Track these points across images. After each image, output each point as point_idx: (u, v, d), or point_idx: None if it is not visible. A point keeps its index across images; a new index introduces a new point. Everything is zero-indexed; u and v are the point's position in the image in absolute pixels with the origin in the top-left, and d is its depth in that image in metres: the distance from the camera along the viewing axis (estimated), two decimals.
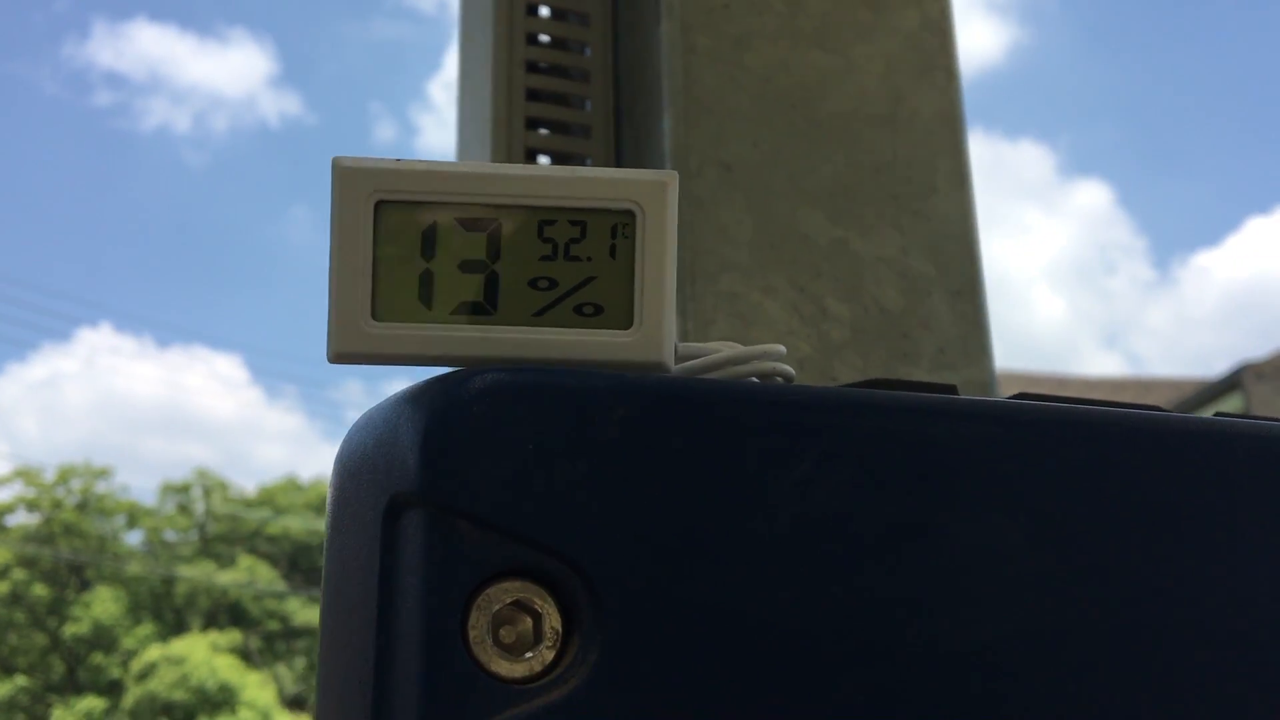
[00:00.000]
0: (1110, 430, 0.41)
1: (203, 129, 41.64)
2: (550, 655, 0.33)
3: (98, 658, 28.54)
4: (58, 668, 28.36)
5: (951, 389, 0.41)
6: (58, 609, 28.69)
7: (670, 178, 0.38)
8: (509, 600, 0.33)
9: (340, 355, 0.38)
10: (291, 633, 30.64)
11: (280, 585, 30.91)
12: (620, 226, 0.38)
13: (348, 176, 0.37)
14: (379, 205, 0.37)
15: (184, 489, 32.46)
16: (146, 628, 29.64)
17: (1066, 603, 0.39)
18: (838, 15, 0.85)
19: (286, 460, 42.92)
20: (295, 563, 32.05)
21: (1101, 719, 0.38)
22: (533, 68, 0.82)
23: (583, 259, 0.38)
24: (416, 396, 0.35)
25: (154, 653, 27.14)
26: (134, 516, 31.56)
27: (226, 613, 30.66)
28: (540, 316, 0.38)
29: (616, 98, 0.86)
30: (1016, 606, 0.38)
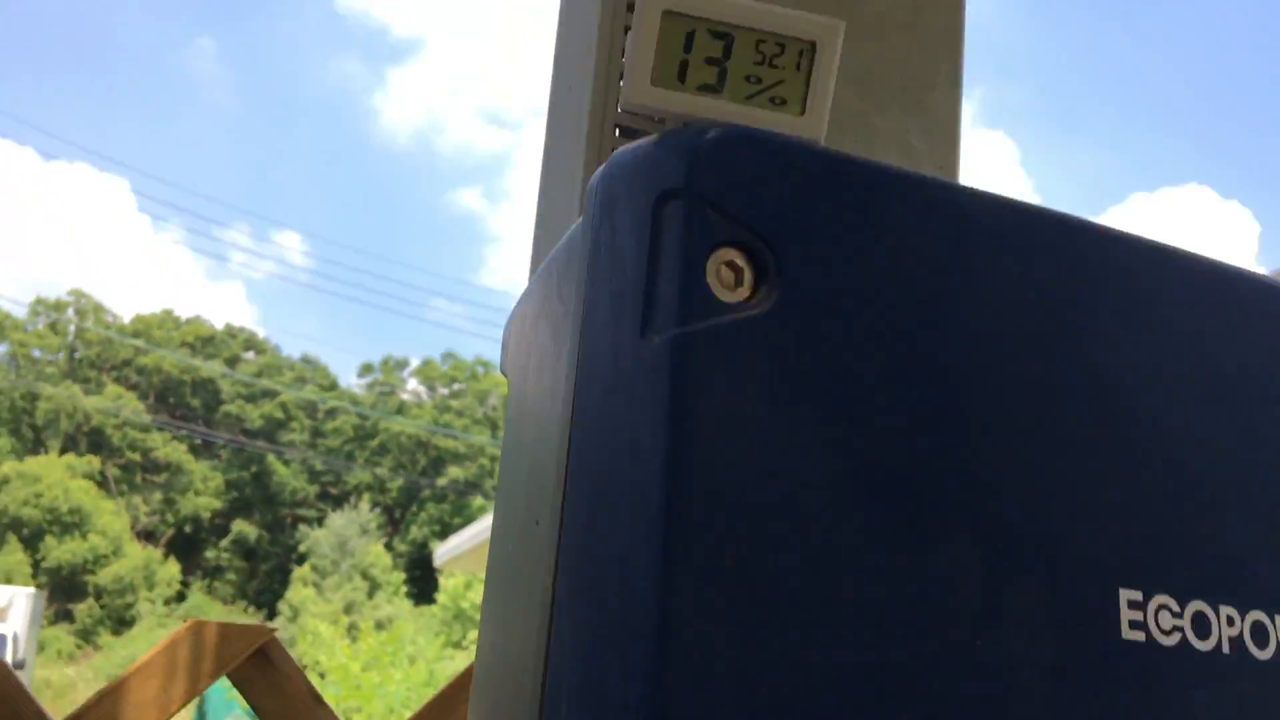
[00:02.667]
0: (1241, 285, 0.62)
1: None
2: (747, 293, 0.51)
3: None
4: None
5: None
6: None
7: (839, 25, 0.59)
8: (726, 260, 0.51)
9: (628, 104, 0.57)
10: (151, 465, 30.01)
11: (145, 418, 30.04)
12: (805, 49, 0.58)
13: None
14: (664, 13, 0.57)
15: (58, 307, 31.24)
16: (2, 441, 28.70)
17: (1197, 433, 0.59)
18: None
19: (165, 295, 41.51)
20: (163, 397, 31.32)
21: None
22: None
23: (779, 67, 0.58)
24: (675, 136, 0.54)
25: (7, 467, 26.29)
26: (1, 328, 30.27)
27: (87, 438, 29.90)
28: (749, 100, 0.58)
29: None
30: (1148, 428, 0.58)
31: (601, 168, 0.57)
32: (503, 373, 0.76)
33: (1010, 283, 0.56)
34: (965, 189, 0.58)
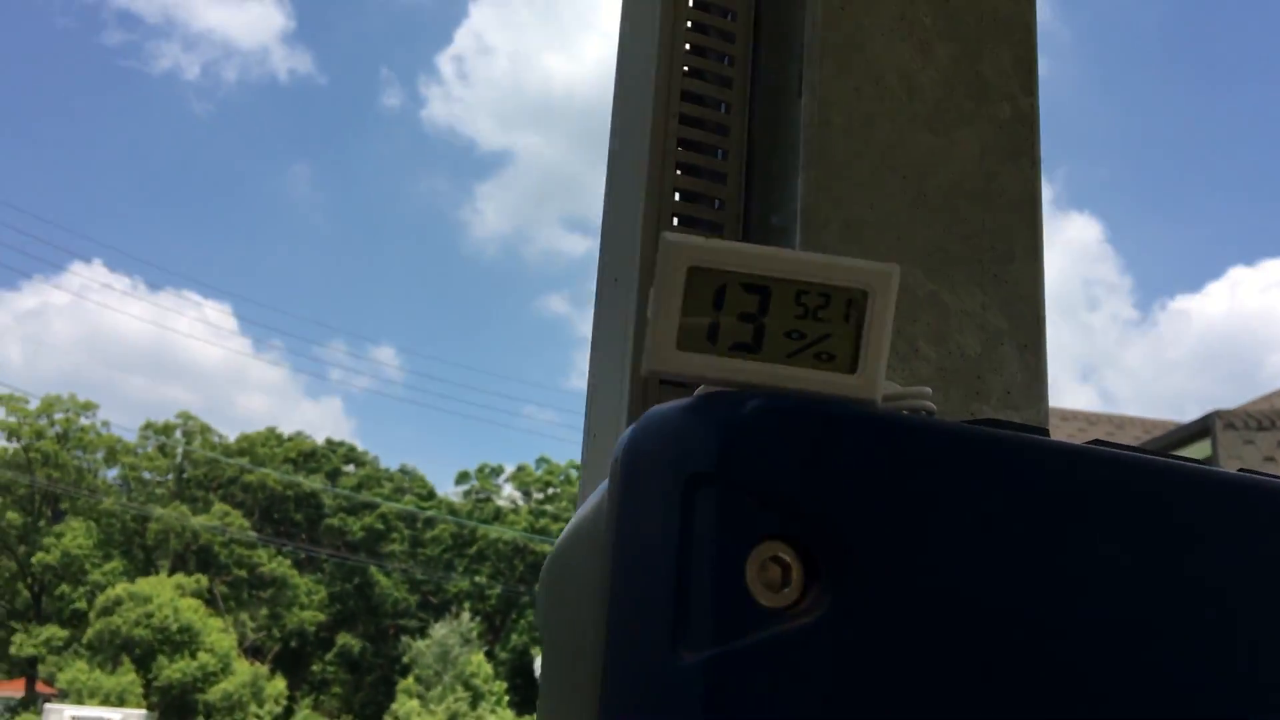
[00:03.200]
0: None
1: (211, 78, 41.42)
2: (796, 595, 0.43)
3: (63, 588, 28.30)
4: (23, 595, 28.05)
5: (1044, 431, 0.52)
6: (28, 537, 28.35)
7: (894, 270, 0.50)
8: (770, 555, 0.44)
9: (652, 370, 0.50)
10: (258, 581, 30.38)
11: (251, 534, 30.54)
12: (854, 300, 0.49)
13: (671, 248, 0.49)
14: (690, 270, 0.49)
15: (166, 430, 32.24)
16: (115, 563, 29.87)
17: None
18: (946, 103, 0.98)
19: (268, 412, 42.57)
20: (268, 513, 31.89)
21: None
22: (684, 119, 0.98)
23: (824, 320, 0.49)
24: (707, 407, 0.47)
25: (120, 589, 26.81)
26: (113, 453, 31.38)
27: (195, 556, 30.50)
28: (791, 358, 0.49)
29: (749, 152, 1.00)
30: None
31: (629, 431, 0.50)
32: (536, 628, 0.69)
33: (1093, 543, 0.48)
34: (1042, 443, 0.50)
